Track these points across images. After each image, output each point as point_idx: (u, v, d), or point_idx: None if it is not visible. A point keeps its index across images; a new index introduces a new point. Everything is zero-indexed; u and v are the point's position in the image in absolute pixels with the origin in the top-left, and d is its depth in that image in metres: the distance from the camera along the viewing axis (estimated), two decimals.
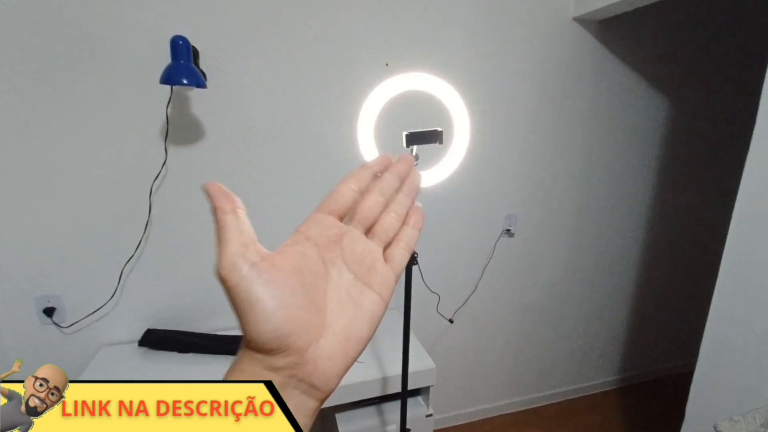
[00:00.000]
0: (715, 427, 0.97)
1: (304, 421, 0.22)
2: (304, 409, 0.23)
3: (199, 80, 1.06)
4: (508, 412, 2.05)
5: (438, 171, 0.86)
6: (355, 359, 0.24)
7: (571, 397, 2.17)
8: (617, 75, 1.75)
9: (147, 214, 1.29)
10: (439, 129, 0.71)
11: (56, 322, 1.30)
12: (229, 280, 0.21)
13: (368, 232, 0.26)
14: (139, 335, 1.35)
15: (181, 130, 1.29)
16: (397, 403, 1.34)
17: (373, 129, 0.90)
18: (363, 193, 0.26)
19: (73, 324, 1.32)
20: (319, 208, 0.26)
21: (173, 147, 1.29)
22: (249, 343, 0.22)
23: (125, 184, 1.27)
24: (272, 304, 0.21)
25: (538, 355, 2.04)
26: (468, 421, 1.98)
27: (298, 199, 1.45)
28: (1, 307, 1.25)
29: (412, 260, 0.91)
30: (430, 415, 1.34)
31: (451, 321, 1.70)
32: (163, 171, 1.29)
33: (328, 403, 1.22)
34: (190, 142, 1.31)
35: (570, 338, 2.09)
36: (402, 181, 0.28)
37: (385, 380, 1.29)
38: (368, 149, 0.91)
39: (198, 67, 1.26)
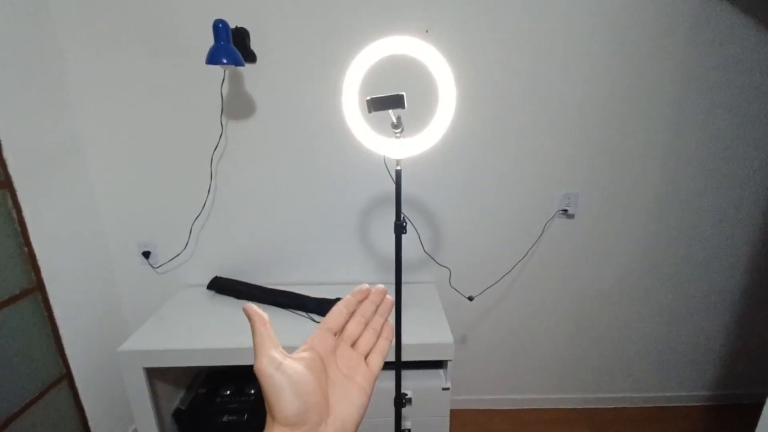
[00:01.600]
0: None
1: None
2: None
3: (236, 59, 1.19)
4: (559, 407, 1.91)
5: (432, 132, 0.83)
6: None
7: (637, 405, 1.90)
8: (726, 21, 1.39)
9: (209, 180, 1.52)
10: (401, 93, 0.69)
11: (151, 263, 1.65)
12: (265, 372, 0.31)
13: (354, 344, 0.38)
14: (208, 280, 1.63)
15: (235, 106, 1.46)
16: (415, 372, 1.38)
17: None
18: (351, 314, 0.38)
19: (161, 266, 1.65)
20: (321, 325, 0.36)
21: (230, 121, 1.48)
22: (278, 419, 0.30)
23: (192, 154, 1.51)
24: (295, 389, 0.31)
25: (599, 354, 1.83)
26: (512, 408, 1.90)
27: (336, 164, 1.54)
28: (114, 248, 1.63)
29: (401, 230, 0.92)
30: (447, 388, 1.35)
31: (470, 298, 1.62)
32: (222, 142, 1.49)
33: None
34: (243, 116, 1.48)
35: (644, 341, 1.82)
36: (377, 305, 0.39)
37: (407, 347, 1.33)
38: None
39: (249, 47, 1.41)
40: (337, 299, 1.34)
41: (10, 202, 1.22)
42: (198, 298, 1.59)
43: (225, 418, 1.53)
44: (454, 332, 1.37)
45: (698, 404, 1.91)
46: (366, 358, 0.37)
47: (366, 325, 0.38)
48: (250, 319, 0.33)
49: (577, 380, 1.88)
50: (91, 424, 1.51)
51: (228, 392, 1.58)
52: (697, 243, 1.67)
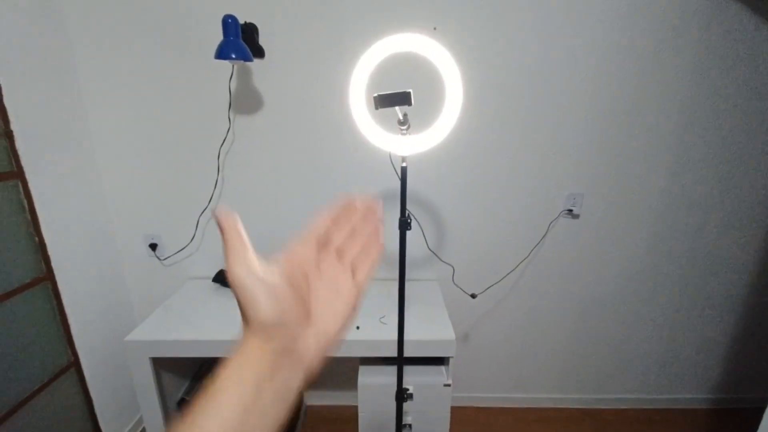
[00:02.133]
0: None
1: (293, 395, 0.29)
2: (293, 379, 0.29)
3: (245, 55, 1.20)
4: (560, 407, 1.91)
5: (436, 131, 0.84)
6: (332, 350, 0.32)
7: (640, 407, 1.90)
8: (737, 20, 1.38)
9: (216, 174, 1.54)
10: (408, 90, 0.70)
11: (157, 255, 1.67)
12: (237, 281, 0.29)
13: (339, 256, 0.35)
14: (213, 273, 1.65)
15: (243, 101, 1.47)
16: (417, 368, 1.39)
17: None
18: (336, 224, 0.34)
19: (167, 258, 1.67)
20: (302, 234, 0.33)
21: (237, 116, 1.49)
22: (253, 325, 0.28)
23: (200, 148, 1.52)
24: (270, 298, 0.29)
25: (602, 355, 1.83)
26: (513, 406, 1.91)
27: (342, 160, 1.55)
28: (122, 240, 1.65)
29: (405, 226, 0.92)
30: (448, 385, 1.35)
31: (473, 296, 1.63)
32: (229, 137, 1.51)
33: (356, 354, 1.34)
34: (250, 111, 1.49)
35: (648, 342, 1.81)
36: (365, 215, 0.35)
37: (409, 343, 1.34)
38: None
39: (258, 42, 1.42)
40: None
41: (21, 193, 1.24)
42: (203, 291, 1.61)
43: None
44: (456, 330, 1.37)
45: (700, 407, 1.90)
46: (353, 272, 0.35)
47: (352, 235, 0.35)
48: (219, 225, 0.30)
49: (578, 380, 1.88)
50: (97, 411, 1.53)
51: None
52: (702, 245, 1.66)
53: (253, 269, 0.29)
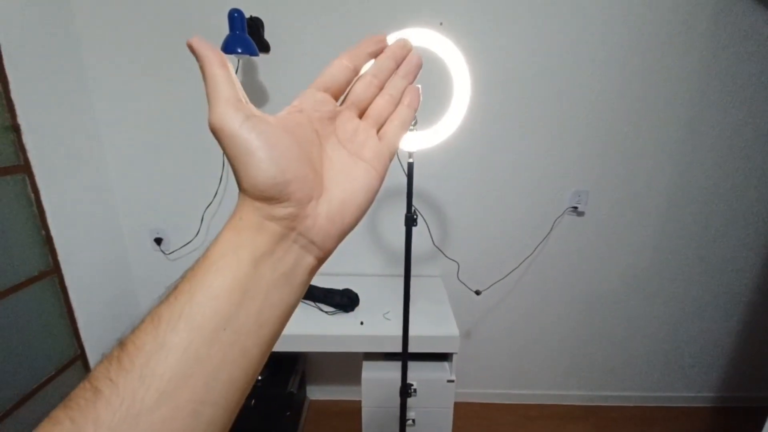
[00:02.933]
0: None
1: (302, 278, 0.24)
2: (303, 263, 0.24)
3: (251, 49, 1.20)
4: (563, 403, 1.91)
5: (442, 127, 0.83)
6: (352, 225, 0.26)
7: (643, 404, 1.90)
8: (746, 16, 1.36)
9: (221, 169, 1.54)
10: (417, 86, 0.69)
11: (162, 249, 1.67)
12: (225, 127, 0.22)
13: (362, 114, 0.27)
14: None
15: (248, 96, 1.47)
16: (420, 363, 1.39)
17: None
18: (358, 73, 0.27)
19: (172, 252, 1.68)
20: (313, 84, 0.26)
21: None
22: (248, 191, 0.22)
23: (205, 143, 1.52)
24: (269, 153, 0.22)
25: (605, 352, 1.83)
26: (516, 402, 1.91)
27: None
28: (127, 234, 1.66)
29: (411, 222, 0.92)
30: (452, 381, 1.36)
31: (477, 292, 1.63)
32: None
33: (358, 349, 1.35)
34: (256, 106, 1.48)
35: (652, 340, 1.81)
36: (398, 62, 0.28)
37: (413, 339, 1.34)
38: None
39: (263, 37, 1.41)
40: (346, 289, 1.34)
41: (29, 187, 1.25)
42: None
43: None
44: (460, 325, 1.38)
45: (703, 405, 1.90)
46: (379, 130, 0.28)
47: (380, 88, 0.28)
48: (197, 55, 0.23)
49: (581, 377, 1.88)
50: None
51: None
52: (708, 243, 1.65)
53: (247, 119, 0.22)
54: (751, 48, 1.40)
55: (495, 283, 1.68)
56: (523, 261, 1.67)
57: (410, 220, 0.92)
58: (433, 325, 1.36)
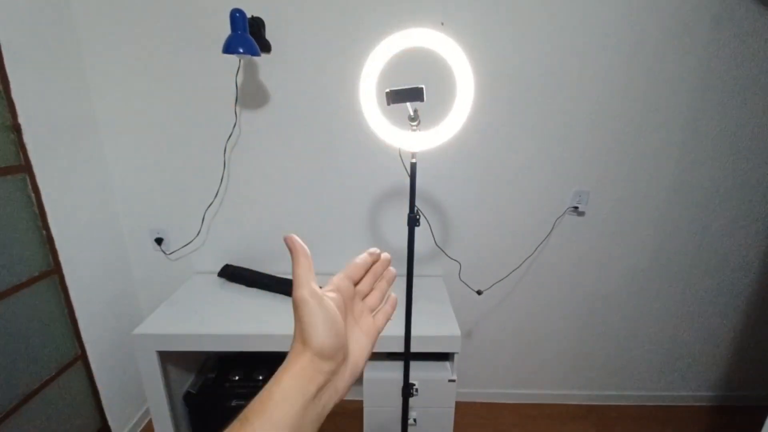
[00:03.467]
0: None
1: (327, 412, 0.33)
2: (330, 404, 0.33)
3: (252, 49, 1.20)
4: (564, 403, 1.92)
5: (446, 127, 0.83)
6: (358, 377, 0.36)
7: (642, 404, 1.91)
8: (747, 17, 1.36)
9: (222, 169, 1.54)
10: (420, 86, 0.69)
11: (163, 249, 1.67)
12: (309, 303, 0.32)
13: (363, 299, 0.40)
14: (219, 268, 1.65)
15: (249, 95, 1.47)
16: (422, 363, 1.39)
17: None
18: (367, 270, 0.40)
19: (173, 252, 1.68)
20: (344, 273, 0.38)
21: (244, 111, 1.49)
22: (314, 348, 0.31)
23: (206, 142, 1.52)
24: (334, 324, 0.33)
25: (606, 352, 1.83)
26: (516, 402, 1.92)
27: (350, 156, 1.55)
28: (128, 234, 1.66)
29: (414, 223, 0.92)
30: (453, 380, 1.36)
31: (479, 292, 1.63)
32: (235, 132, 1.50)
33: None
34: (257, 106, 1.49)
35: (652, 339, 1.81)
36: (384, 269, 0.42)
37: (415, 339, 1.34)
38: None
39: (264, 37, 1.41)
40: None
41: (29, 186, 1.25)
42: (209, 285, 1.61)
43: (234, 403, 1.56)
44: (461, 325, 1.38)
45: (702, 404, 1.91)
46: (372, 314, 0.40)
47: (374, 285, 0.41)
48: (291, 249, 0.34)
49: (582, 377, 1.88)
50: (104, 403, 1.55)
51: (237, 377, 1.62)
52: (708, 244, 1.66)
53: (318, 296, 0.32)
54: (752, 49, 1.40)
55: (496, 283, 1.68)
56: (524, 261, 1.67)
57: (413, 221, 0.92)
58: (435, 325, 1.36)
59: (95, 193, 1.51)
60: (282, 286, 1.56)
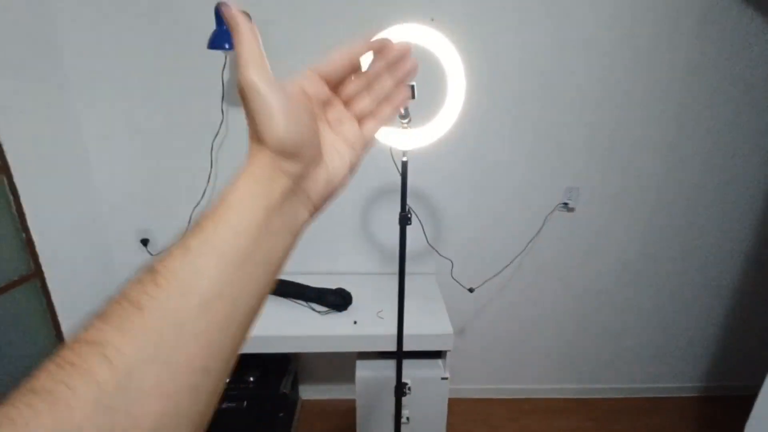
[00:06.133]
0: None
1: (298, 228, 0.28)
2: (300, 216, 0.28)
3: None
4: (555, 397, 1.93)
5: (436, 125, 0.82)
6: (338, 191, 0.31)
7: (632, 396, 1.93)
8: (733, 15, 1.38)
9: (209, 168, 1.51)
10: (412, 83, 0.68)
11: (149, 251, 1.63)
12: (255, 86, 0.25)
13: (348, 105, 0.32)
14: None
15: (236, 93, 1.44)
16: (414, 361, 1.39)
17: None
18: (355, 67, 0.31)
19: (160, 253, 1.63)
20: (314, 67, 0.29)
21: (231, 109, 1.45)
22: (269, 143, 0.25)
23: (192, 142, 1.49)
24: (293, 114, 0.26)
25: (597, 345, 1.85)
26: (508, 397, 1.93)
27: None
28: (113, 235, 1.61)
29: (405, 221, 0.91)
30: (446, 378, 1.36)
31: (471, 290, 1.63)
32: (222, 130, 1.47)
33: (352, 348, 1.34)
34: None
35: (641, 332, 1.84)
36: (392, 65, 0.31)
37: (407, 338, 1.34)
38: None
39: None
40: (339, 288, 1.32)
41: (7, 187, 1.20)
42: None
43: (224, 405, 1.54)
44: (454, 323, 1.37)
45: (691, 395, 1.95)
46: (360, 123, 0.32)
47: (368, 88, 0.31)
48: (231, 23, 0.26)
49: (573, 371, 1.90)
50: None
51: (227, 380, 1.59)
52: (696, 238, 1.68)
53: (269, 78, 0.25)
54: (738, 47, 1.42)
55: (488, 280, 1.68)
56: (515, 258, 1.67)
57: (404, 219, 0.91)
58: (427, 323, 1.36)
59: (77, 195, 1.47)
60: (276, 288, 1.53)
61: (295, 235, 0.28)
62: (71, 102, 1.42)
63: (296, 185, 0.27)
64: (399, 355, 1.10)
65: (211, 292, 0.22)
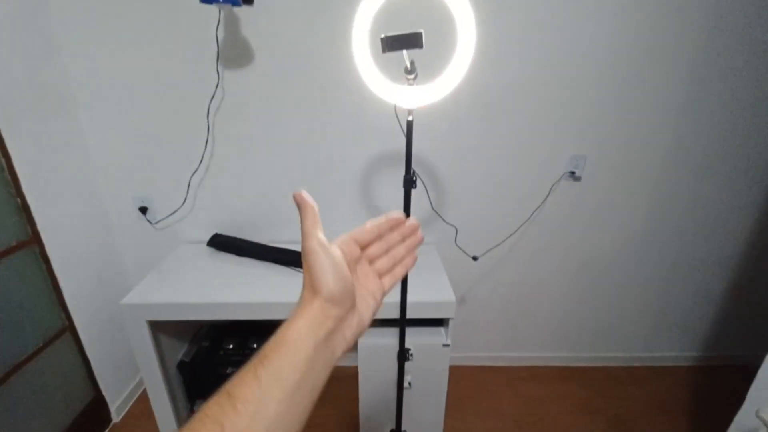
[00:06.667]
0: (757, 413, 0.81)
1: (335, 360, 0.35)
2: (338, 352, 0.35)
3: None
4: (553, 365, 1.97)
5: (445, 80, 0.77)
6: (364, 331, 0.38)
7: (630, 365, 1.97)
8: None
9: (206, 134, 1.46)
10: (419, 31, 0.63)
11: (148, 219, 1.61)
12: (316, 253, 0.34)
13: (371, 263, 0.41)
14: (207, 237, 1.61)
15: (232, 52, 1.37)
16: (417, 329, 1.40)
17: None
18: (380, 236, 0.41)
19: (159, 221, 1.62)
20: (349, 234, 0.39)
21: (227, 70, 1.39)
22: (324, 294, 0.33)
23: (187, 105, 1.43)
24: (341, 272, 0.35)
25: (596, 314, 1.87)
26: (507, 365, 1.96)
27: (342, 117, 1.48)
28: (111, 203, 1.59)
29: (410, 184, 0.88)
30: (447, 345, 1.37)
31: (474, 258, 1.62)
32: (218, 93, 1.41)
33: None
34: (240, 64, 1.39)
35: (640, 303, 1.85)
36: (405, 237, 0.42)
37: (410, 305, 1.33)
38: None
39: None
40: None
41: None
42: (198, 255, 1.57)
43: (229, 370, 1.56)
44: (454, 292, 1.37)
45: (688, 365, 1.98)
46: (380, 278, 0.41)
47: (387, 251, 0.41)
48: (300, 204, 0.36)
49: (571, 339, 1.93)
50: (96, 373, 1.54)
51: (231, 346, 1.61)
52: (702, 207, 1.65)
53: (324, 245, 0.35)
54: (757, 10, 1.34)
55: (492, 248, 1.67)
56: (520, 227, 1.65)
57: (409, 182, 0.88)
58: (430, 291, 1.35)
59: (72, 159, 1.43)
60: (273, 255, 1.52)
61: (331, 368, 0.34)
62: (61, 61, 1.36)
63: (336, 327, 0.34)
64: (402, 321, 1.10)
65: (276, 415, 0.28)
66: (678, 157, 1.56)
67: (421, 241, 0.42)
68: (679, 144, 1.54)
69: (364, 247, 0.40)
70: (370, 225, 0.40)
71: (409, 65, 0.73)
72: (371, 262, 0.40)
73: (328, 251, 0.34)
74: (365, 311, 0.37)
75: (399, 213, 0.41)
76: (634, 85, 1.44)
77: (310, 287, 0.34)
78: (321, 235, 0.35)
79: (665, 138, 1.53)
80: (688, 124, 1.50)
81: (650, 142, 1.53)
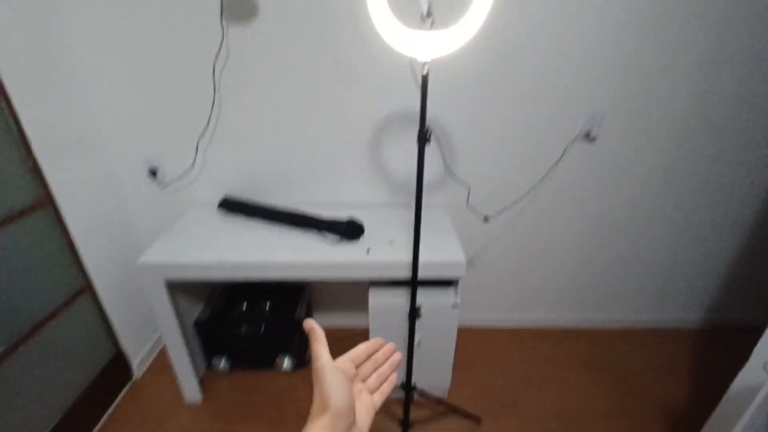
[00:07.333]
0: (765, 365, 0.82)
1: None
2: None
3: None
4: (561, 325, 2.00)
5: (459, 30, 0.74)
6: None
7: (637, 326, 1.99)
8: None
9: (213, 93, 1.43)
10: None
11: (159, 181, 1.61)
12: (328, 371, 0.41)
13: (363, 381, 0.47)
14: (217, 199, 1.61)
15: (236, 5, 1.31)
16: (427, 290, 1.41)
17: None
18: (369, 355, 0.48)
19: (169, 184, 1.62)
20: (347, 355, 0.46)
21: (231, 25, 1.34)
22: (333, 408, 0.39)
23: (192, 63, 1.39)
24: (343, 387, 0.41)
25: (604, 275, 1.87)
26: (515, 326, 2.00)
27: (355, 73, 1.43)
28: (121, 165, 1.58)
29: (424, 140, 0.86)
30: (457, 305, 1.39)
31: (486, 219, 1.61)
32: (223, 50, 1.37)
33: (365, 276, 1.35)
34: (245, 18, 1.34)
35: (650, 264, 1.84)
36: (387, 357, 0.49)
37: (419, 266, 1.34)
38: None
39: None
40: (350, 220, 1.30)
41: (6, 110, 1.15)
42: (209, 216, 1.58)
43: (243, 329, 1.61)
44: (464, 253, 1.37)
45: (694, 327, 2.00)
46: (371, 394, 0.46)
47: (375, 369, 0.47)
48: (309, 332, 0.44)
49: (578, 302, 1.95)
50: (117, 331, 1.59)
51: (244, 306, 1.65)
52: (718, 168, 1.61)
53: (333, 365, 0.42)
54: None
55: (504, 210, 1.66)
56: (532, 188, 1.63)
57: (423, 138, 0.86)
58: (439, 251, 1.36)
59: (80, 121, 1.42)
60: (283, 217, 1.53)
61: None
62: (70, 25, 1.31)
63: None
64: (413, 281, 1.11)
65: None
66: (697, 117, 1.51)
67: (399, 362, 0.49)
68: (698, 104, 1.48)
69: (357, 367, 0.46)
70: (364, 346, 0.47)
71: (425, 11, 0.69)
72: (363, 380, 0.46)
73: (336, 370, 0.41)
74: (363, 423, 0.42)
75: (379, 339, 0.49)
76: (656, 40, 1.37)
77: (320, 402, 0.39)
78: (329, 356, 0.42)
79: (685, 96, 1.47)
80: (710, 81, 1.44)
81: (669, 101, 1.47)
